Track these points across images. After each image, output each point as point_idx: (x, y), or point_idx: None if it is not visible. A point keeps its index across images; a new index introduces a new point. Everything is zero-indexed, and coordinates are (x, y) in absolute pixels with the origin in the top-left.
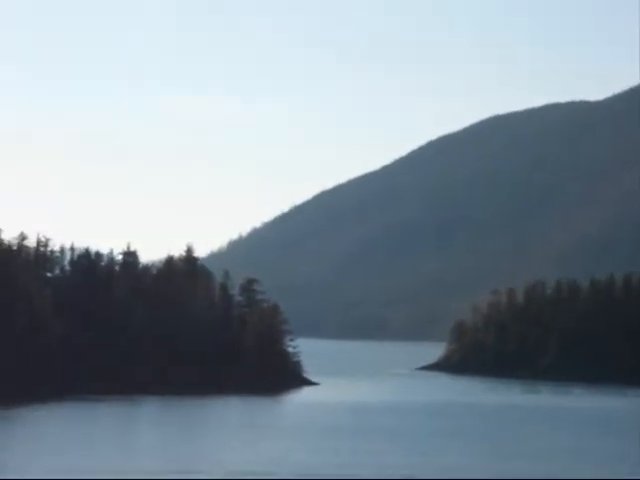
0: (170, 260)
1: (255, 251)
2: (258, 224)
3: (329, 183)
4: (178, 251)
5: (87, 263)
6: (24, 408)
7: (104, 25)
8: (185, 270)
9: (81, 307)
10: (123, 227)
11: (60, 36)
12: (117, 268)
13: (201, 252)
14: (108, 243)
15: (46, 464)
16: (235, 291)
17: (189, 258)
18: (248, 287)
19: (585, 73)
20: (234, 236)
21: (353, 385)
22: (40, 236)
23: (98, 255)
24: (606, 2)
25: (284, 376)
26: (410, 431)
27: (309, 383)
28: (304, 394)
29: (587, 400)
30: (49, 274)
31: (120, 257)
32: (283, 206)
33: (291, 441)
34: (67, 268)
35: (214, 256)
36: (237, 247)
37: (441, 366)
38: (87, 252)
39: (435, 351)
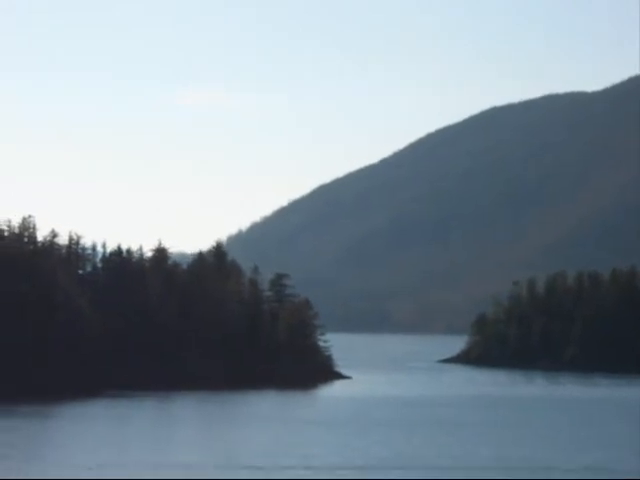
0: (201, 256)
1: (255, 245)
2: (257, 219)
3: (328, 177)
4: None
5: (119, 260)
6: (62, 404)
7: (105, 20)
8: (215, 265)
9: (114, 304)
10: (120, 221)
11: (59, 34)
12: (147, 264)
13: (201, 247)
14: (101, 237)
15: (83, 460)
16: (264, 286)
17: (219, 253)
18: (278, 282)
19: (583, 64)
20: (233, 231)
21: (384, 378)
22: (72, 233)
23: (129, 252)
24: None
25: (317, 370)
26: (470, 423)
27: (341, 377)
28: (341, 388)
29: (620, 390)
30: (81, 271)
31: (150, 253)
32: (282, 200)
33: (360, 435)
34: (99, 265)
35: None
36: (237, 242)
37: (462, 358)
38: (119, 249)
39: (443, 343)
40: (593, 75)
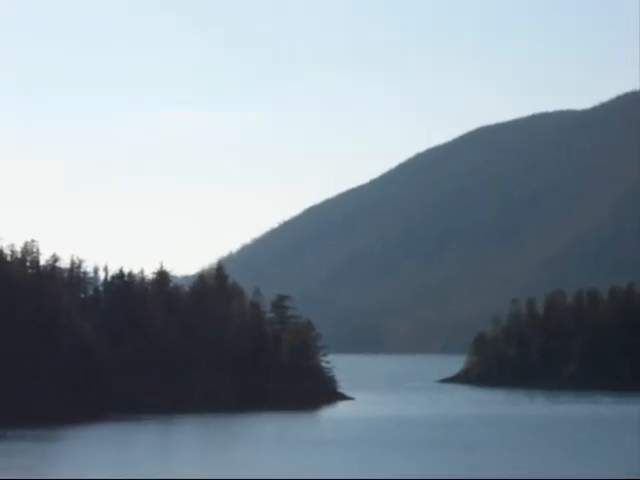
0: (202, 277)
1: (246, 267)
2: (248, 240)
3: (318, 198)
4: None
5: (121, 283)
6: (69, 428)
7: (103, 42)
8: (217, 287)
9: (118, 327)
10: (119, 243)
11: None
12: (149, 287)
13: (192, 269)
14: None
15: None
16: (265, 307)
17: (220, 275)
18: (279, 303)
19: (572, 82)
20: (224, 253)
21: (387, 399)
22: (74, 257)
23: (131, 275)
24: (592, 13)
25: (320, 391)
26: (481, 443)
27: (344, 398)
28: (346, 409)
29: (621, 408)
30: (83, 295)
31: (151, 276)
32: (273, 222)
33: (375, 456)
34: (101, 289)
35: None
36: (228, 264)
37: (462, 378)
38: (121, 272)
39: (440, 363)
40: (583, 93)
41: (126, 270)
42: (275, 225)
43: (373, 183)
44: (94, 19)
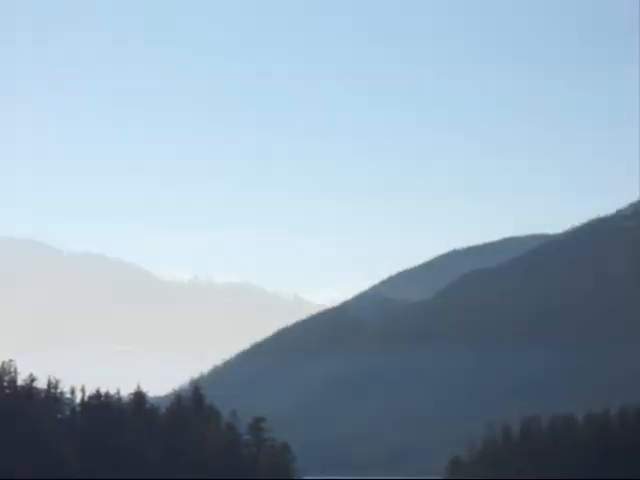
0: (178, 398)
1: (216, 388)
2: (219, 362)
3: (289, 319)
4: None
5: (98, 404)
6: None
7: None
8: (193, 409)
9: (95, 447)
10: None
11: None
12: (126, 408)
13: (164, 390)
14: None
15: None
16: (241, 429)
17: (196, 396)
18: (256, 426)
19: (543, 207)
20: (195, 375)
21: None
22: (51, 378)
23: (107, 396)
24: (563, 136)
25: None
26: None
27: None
28: None
29: None
30: (60, 415)
31: (128, 397)
32: (244, 344)
33: None
34: (77, 409)
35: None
36: (199, 384)
37: None
38: (98, 393)
39: None
40: (554, 217)
41: (102, 391)
42: (247, 347)
43: (345, 305)
44: None
